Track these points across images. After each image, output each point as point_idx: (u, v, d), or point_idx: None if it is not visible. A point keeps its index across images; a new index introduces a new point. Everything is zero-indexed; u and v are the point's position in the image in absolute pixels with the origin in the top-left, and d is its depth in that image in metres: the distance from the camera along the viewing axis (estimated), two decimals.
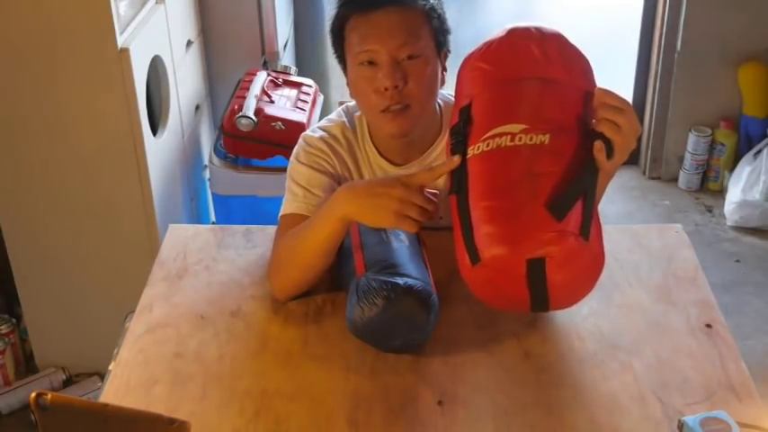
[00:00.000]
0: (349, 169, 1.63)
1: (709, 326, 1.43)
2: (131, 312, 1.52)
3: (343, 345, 1.39)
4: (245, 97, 2.72)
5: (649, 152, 3.65)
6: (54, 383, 2.57)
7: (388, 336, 1.35)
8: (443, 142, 1.61)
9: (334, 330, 1.42)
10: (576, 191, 1.24)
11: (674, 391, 1.30)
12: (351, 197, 1.39)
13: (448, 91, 1.61)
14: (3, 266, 2.55)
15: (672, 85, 3.49)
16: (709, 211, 3.46)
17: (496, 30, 1.41)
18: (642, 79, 3.63)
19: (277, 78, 2.92)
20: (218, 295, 1.54)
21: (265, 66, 3.07)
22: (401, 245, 1.42)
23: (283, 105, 2.79)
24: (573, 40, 1.38)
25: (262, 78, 2.85)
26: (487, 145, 1.28)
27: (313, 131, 1.65)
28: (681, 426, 1.20)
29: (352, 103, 1.68)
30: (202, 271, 1.61)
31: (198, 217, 2.86)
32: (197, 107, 2.91)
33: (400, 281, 1.31)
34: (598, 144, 1.26)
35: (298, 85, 2.96)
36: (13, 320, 2.64)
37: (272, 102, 2.78)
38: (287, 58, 3.29)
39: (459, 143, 1.33)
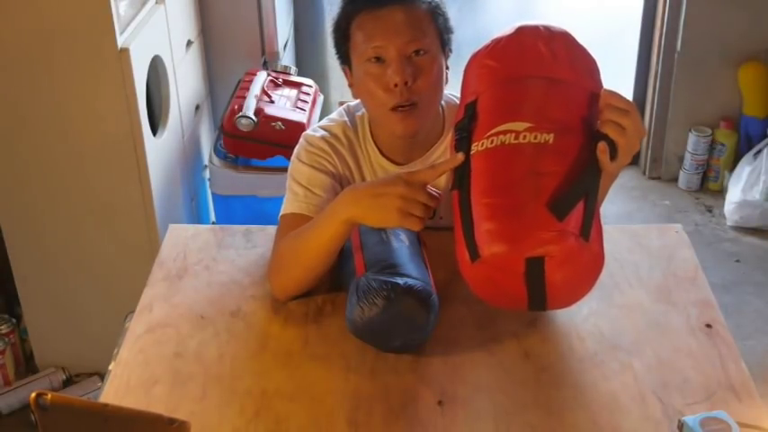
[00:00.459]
0: (350, 169, 1.63)
1: (709, 326, 1.43)
2: (131, 312, 1.52)
3: (343, 345, 1.39)
4: (245, 97, 2.72)
5: (649, 152, 3.65)
6: (54, 383, 2.57)
7: (388, 336, 1.35)
8: (445, 142, 1.61)
9: (334, 330, 1.42)
10: (578, 191, 1.24)
11: (674, 391, 1.30)
12: (354, 199, 1.38)
13: (450, 91, 1.61)
14: (3, 266, 2.55)
15: (672, 85, 3.49)
16: (709, 211, 3.46)
17: (496, 30, 1.41)
18: (642, 79, 3.63)
19: (277, 78, 2.92)
20: (218, 295, 1.54)
21: (265, 66, 3.07)
22: (401, 245, 1.42)
23: (283, 105, 2.79)
24: None
25: (262, 78, 2.85)
26: (491, 142, 1.28)
27: (314, 131, 1.65)
28: (681, 426, 1.20)
29: (354, 102, 1.68)
30: (202, 271, 1.61)
31: (198, 217, 2.86)
32: (197, 107, 2.91)
33: (400, 281, 1.31)
34: (602, 145, 1.26)
35: (298, 85, 2.96)
36: (13, 320, 2.64)
37: (272, 102, 2.77)
38: (287, 58, 3.29)
39: (464, 139, 1.33)
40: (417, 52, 1.49)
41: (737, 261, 3.16)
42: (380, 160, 1.63)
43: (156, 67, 2.49)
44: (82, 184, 2.37)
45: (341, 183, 1.62)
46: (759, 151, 3.38)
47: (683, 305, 1.49)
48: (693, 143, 3.52)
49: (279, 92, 2.86)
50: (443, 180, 1.62)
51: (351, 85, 1.60)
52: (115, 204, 2.41)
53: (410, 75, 1.48)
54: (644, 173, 3.71)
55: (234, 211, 2.75)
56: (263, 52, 3.11)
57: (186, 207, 2.74)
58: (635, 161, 3.72)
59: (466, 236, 1.27)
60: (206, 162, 2.89)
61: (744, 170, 3.37)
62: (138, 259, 2.33)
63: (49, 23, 2.17)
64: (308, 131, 1.66)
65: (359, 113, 1.66)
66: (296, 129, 2.62)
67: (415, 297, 1.31)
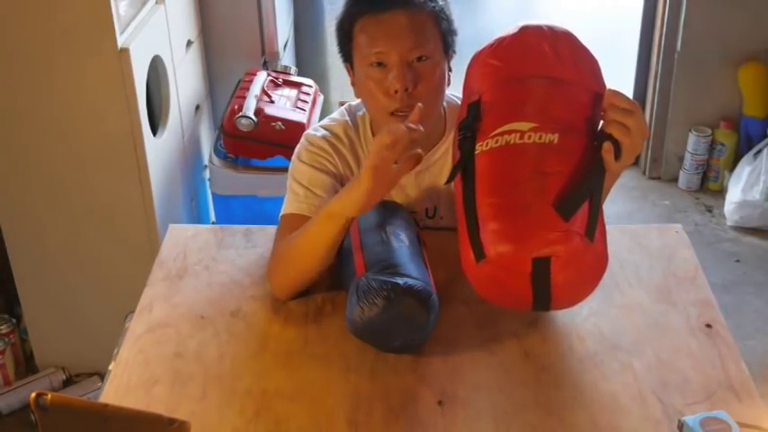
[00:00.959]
0: (351, 168, 1.63)
1: (709, 326, 1.43)
2: (131, 312, 1.52)
3: (343, 345, 1.39)
4: (245, 97, 2.72)
5: (649, 152, 3.65)
6: (54, 383, 2.57)
7: (388, 336, 1.35)
8: (446, 143, 1.61)
9: (334, 330, 1.42)
10: (583, 191, 1.24)
11: (674, 391, 1.30)
12: (353, 201, 1.37)
13: (452, 92, 1.61)
14: (3, 266, 2.55)
15: (672, 85, 3.49)
16: (709, 211, 3.46)
17: (496, 29, 1.41)
18: (642, 79, 3.63)
19: (277, 78, 2.92)
20: (218, 295, 1.54)
21: (265, 66, 3.07)
22: (401, 245, 1.42)
23: (283, 105, 2.79)
24: None
25: (262, 78, 2.85)
26: (496, 142, 1.28)
27: (315, 130, 1.65)
28: (681, 426, 1.20)
29: (355, 102, 1.68)
30: (202, 271, 1.61)
31: (198, 217, 2.86)
32: (197, 107, 2.91)
33: (400, 281, 1.31)
34: (607, 145, 1.26)
35: (298, 85, 2.96)
36: (13, 320, 2.64)
37: (272, 102, 2.78)
38: (287, 58, 3.29)
39: (468, 138, 1.33)
40: (420, 59, 1.48)
41: (737, 261, 3.16)
42: None
43: (156, 67, 2.49)
44: (82, 184, 2.37)
45: (341, 182, 1.62)
46: (759, 151, 3.38)
47: (683, 305, 1.49)
48: (693, 143, 3.52)
49: (279, 92, 2.86)
50: (442, 179, 1.62)
51: (353, 84, 1.59)
52: (115, 204, 2.40)
53: (411, 81, 1.47)
54: (644, 173, 3.71)
55: (234, 211, 2.75)
56: (263, 52, 3.11)
57: (186, 207, 2.74)
58: (635, 161, 3.71)
59: (471, 236, 1.27)
60: (206, 162, 2.89)
61: (744, 170, 3.37)
62: (138, 259, 2.33)
63: (49, 23, 2.17)
64: (310, 131, 1.66)
65: (360, 113, 1.66)
66: (296, 129, 2.62)
67: (415, 297, 1.31)
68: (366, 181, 1.33)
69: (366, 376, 1.34)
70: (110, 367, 1.41)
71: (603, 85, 1.34)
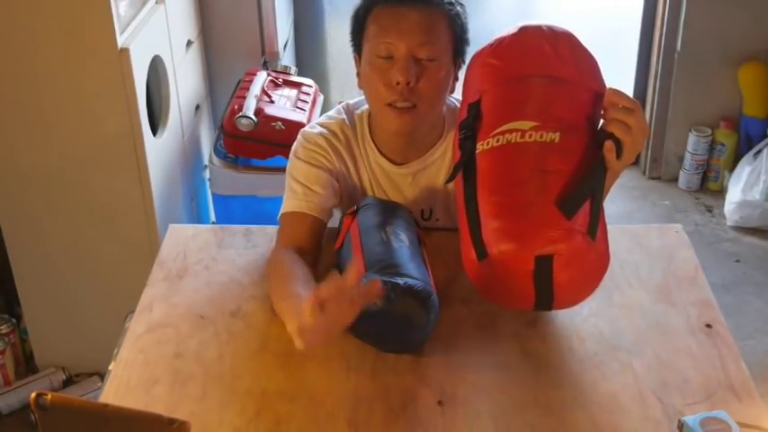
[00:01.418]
0: (347, 166, 1.63)
1: (709, 326, 1.43)
2: (131, 312, 1.52)
3: (343, 345, 1.39)
4: (245, 97, 2.72)
5: (649, 152, 3.65)
6: (54, 383, 2.57)
7: (388, 336, 1.35)
8: (443, 145, 1.61)
9: None
10: (585, 190, 1.24)
11: (674, 391, 1.30)
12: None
13: (454, 96, 1.61)
14: (3, 266, 2.55)
15: (672, 85, 3.49)
16: (709, 211, 3.46)
17: (496, 30, 1.41)
18: (642, 79, 3.63)
19: (277, 78, 2.92)
20: (218, 295, 1.54)
21: (265, 66, 3.07)
22: (401, 245, 1.42)
23: (283, 105, 2.79)
24: None
25: (262, 78, 2.85)
26: (497, 141, 1.28)
27: (312, 127, 1.65)
28: (681, 426, 1.20)
29: (353, 101, 1.68)
30: (202, 271, 1.61)
31: (198, 217, 2.86)
32: (197, 107, 2.91)
33: (400, 281, 1.31)
34: (608, 144, 1.26)
35: (298, 85, 2.95)
36: (13, 320, 2.64)
37: (272, 102, 2.77)
38: (287, 58, 3.29)
39: (468, 138, 1.33)
40: (427, 57, 1.48)
41: (737, 261, 3.16)
42: (378, 159, 1.63)
43: (156, 67, 2.49)
44: (82, 184, 2.37)
45: (337, 179, 1.62)
46: (759, 151, 3.38)
47: (683, 305, 1.49)
48: (693, 143, 3.52)
49: (279, 92, 2.86)
50: (440, 179, 1.62)
51: (358, 74, 1.59)
52: (115, 204, 2.40)
53: (414, 76, 1.47)
54: (644, 173, 3.71)
55: (234, 211, 2.75)
56: (263, 52, 3.11)
57: (186, 207, 2.74)
58: (635, 161, 3.70)
59: (473, 234, 1.27)
60: (206, 162, 2.89)
61: (744, 170, 3.37)
62: (138, 259, 2.33)
63: (50, 23, 2.17)
64: (306, 128, 1.66)
65: (358, 111, 1.66)
66: (296, 129, 2.58)
67: (415, 297, 1.31)
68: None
69: (366, 376, 1.34)
70: (110, 367, 1.41)
71: (603, 85, 1.34)
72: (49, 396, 1.01)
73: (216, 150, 2.75)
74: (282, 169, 1.69)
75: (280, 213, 1.60)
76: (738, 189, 3.33)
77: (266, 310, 1.49)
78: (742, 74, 3.40)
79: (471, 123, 1.34)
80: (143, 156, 2.32)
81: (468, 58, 1.56)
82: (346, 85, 3.68)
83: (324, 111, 2.84)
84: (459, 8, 1.54)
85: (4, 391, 2.53)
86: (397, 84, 1.48)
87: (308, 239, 1.55)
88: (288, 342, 1.41)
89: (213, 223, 2.91)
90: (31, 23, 2.17)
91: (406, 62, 1.47)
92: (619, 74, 3.61)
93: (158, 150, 2.44)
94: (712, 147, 3.53)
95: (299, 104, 2.84)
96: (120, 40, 2.20)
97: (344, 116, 1.66)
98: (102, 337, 1.90)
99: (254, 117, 2.64)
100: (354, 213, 1.52)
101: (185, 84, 2.74)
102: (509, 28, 1.39)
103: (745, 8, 3.31)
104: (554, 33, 1.35)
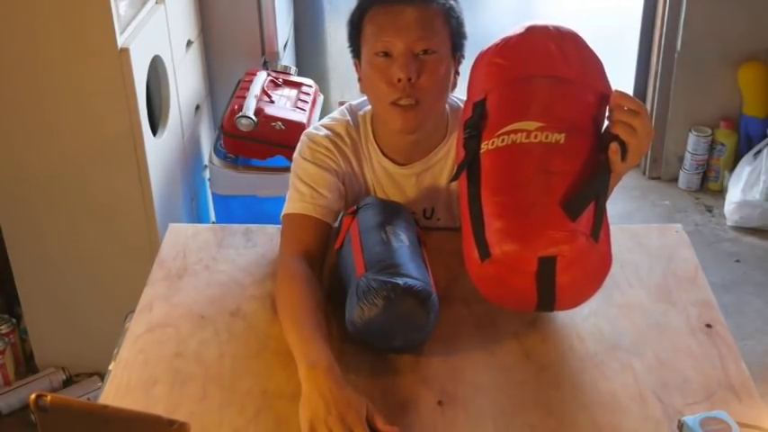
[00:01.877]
0: (353, 168, 1.63)
1: (709, 326, 1.43)
2: (131, 312, 1.52)
3: (343, 345, 1.39)
4: (245, 97, 2.72)
5: (649, 152, 3.65)
6: (54, 383, 2.57)
7: (388, 336, 1.35)
8: (447, 145, 1.61)
9: (334, 330, 1.42)
10: (591, 191, 1.24)
11: (674, 391, 1.30)
12: (316, 386, 1.25)
13: (456, 96, 1.61)
14: (3, 266, 2.55)
15: (672, 85, 3.49)
16: (709, 211, 3.46)
17: (497, 30, 1.41)
18: (642, 79, 3.63)
19: (277, 78, 2.92)
20: (218, 295, 1.54)
21: (265, 66, 3.07)
22: (401, 245, 1.42)
23: (283, 105, 2.79)
24: None
25: (262, 78, 2.85)
26: (502, 140, 1.28)
27: (317, 129, 1.64)
28: (681, 426, 1.20)
29: (356, 102, 1.68)
30: (202, 270, 1.61)
31: (198, 217, 2.86)
32: (197, 107, 2.91)
33: (400, 281, 1.31)
34: (614, 146, 1.26)
35: (298, 85, 2.95)
36: (13, 320, 2.64)
37: (272, 102, 2.77)
38: (287, 58, 3.29)
39: (473, 137, 1.33)
40: (425, 51, 1.48)
41: (737, 261, 3.16)
42: (382, 160, 1.63)
43: (156, 67, 2.49)
44: (82, 184, 2.37)
45: (343, 181, 1.62)
46: (759, 151, 3.38)
47: (683, 305, 1.49)
48: (693, 143, 3.52)
49: (279, 92, 2.86)
50: (443, 179, 1.62)
51: (360, 80, 1.59)
52: (115, 204, 2.40)
53: (414, 72, 1.47)
54: (644, 173, 3.71)
55: (234, 211, 2.75)
56: (263, 52, 3.11)
57: (186, 207, 2.74)
58: None
59: (476, 234, 1.27)
60: (206, 162, 2.89)
61: (744, 170, 3.37)
62: (138, 259, 2.33)
63: (50, 23, 2.17)
64: (311, 129, 1.66)
65: (361, 112, 1.65)
66: (296, 129, 2.61)
67: (415, 297, 1.31)
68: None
69: (366, 376, 1.34)
70: (110, 367, 1.41)
71: (609, 86, 1.34)
72: (49, 397, 1.01)
73: (216, 150, 2.75)
74: (282, 169, 1.69)
75: (284, 213, 1.60)
76: (738, 189, 3.33)
77: (266, 309, 1.49)
78: (742, 74, 3.40)
79: (476, 122, 1.34)
80: (143, 156, 2.32)
81: (466, 53, 1.57)
82: (346, 86, 3.68)
83: (324, 111, 2.85)
84: (452, 2, 1.54)
85: (4, 391, 2.53)
86: (399, 81, 1.48)
87: (315, 243, 1.55)
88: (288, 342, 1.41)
89: (213, 223, 2.91)
90: (31, 23, 2.17)
91: (405, 58, 1.47)
92: (619, 74, 3.59)
93: (158, 150, 2.44)
94: (712, 147, 3.53)
95: (299, 104, 2.84)
96: (120, 40, 2.20)
97: (348, 117, 1.65)
98: (102, 337, 1.90)
99: (254, 117, 2.64)
100: (354, 213, 1.52)
101: (185, 84, 2.74)
102: (515, 27, 1.38)
103: (745, 8, 3.31)
104: (560, 34, 1.35)
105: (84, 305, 2.54)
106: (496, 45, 1.38)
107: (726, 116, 3.50)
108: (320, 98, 3.01)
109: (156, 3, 2.49)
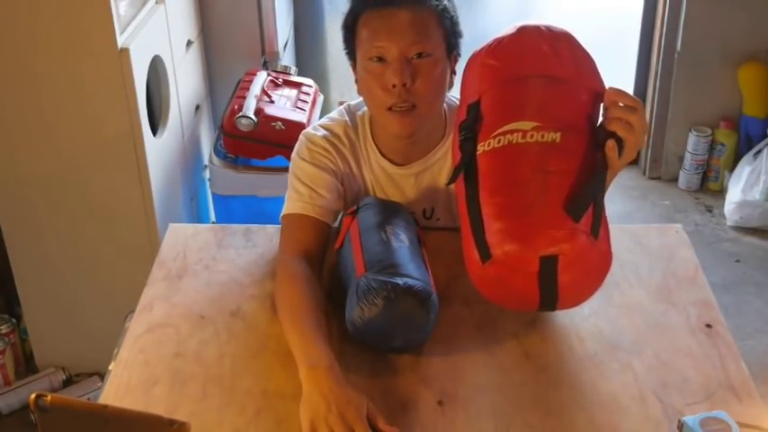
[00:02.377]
0: (351, 168, 1.63)
1: (709, 326, 1.43)
2: (131, 312, 1.52)
3: (343, 345, 1.39)
4: (245, 97, 2.72)
5: (649, 152, 3.65)
6: (54, 383, 2.57)
7: (388, 336, 1.35)
8: (446, 145, 1.61)
9: (333, 330, 1.42)
10: (592, 190, 1.24)
11: (674, 391, 1.30)
12: (317, 386, 1.25)
13: (454, 94, 1.61)
14: (3, 266, 2.55)
15: (672, 85, 3.49)
16: (709, 211, 3.46)
17: (496, 30, 1.41)
18: (642, 79, 3.63)
19: (277, 78, 2.92)
20: (218, 295, 1.54)
21: (265, 66, 3.07)
22: (401, 245, 1.42)
23: (283, 105, 2.79)
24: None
25: (262, 78, 2.85)
26: (498, 141, 1.28)
27: (315, 130, 1.64)
28: (681, 426, 1.20)
29: (354, 102, 1.68)
30: (202, 270, 1.61)
31: (198, 217, 2.86)
32: (197, 107, 2.91)
33: (400, 281, 1.31)
34: (611, 143, 1.26)
35: (298, 85, 2.96)
36: (13, 320, 2.64)
37: (272, 102, 2.78)
38: (287, 58, 3.29)
39: (469, 139, 1.33)
40: (420, 55, 1.48)
41: (737, 261, 3.16)
42: (381, 161, 1.63)
43: (156, 67, 2.49)
44: (82, 184, 2.37)
45: (342, 181, 1.62)
46: (759, 151, 3.38)
47: (683, 305, 1.49)
48: (693, 143, 3.52)
49: (279, 92, 2.86)
50: (442, 179, 1.62)
51: (356, 81, 1.59)
52: (115, 204, 2.40)
53: (409, 76, 1.47)
54: (644, 173, 3.71)
55: (234, 211, 2.75)
56: (263, 52, 3.11)
57: (186, 207, 2.74)
58: (635, 161, 3.72)
59: (475, 236, 1.27)
60: (206, 162, 2.89)
61: (744, 170, 3.37)
62: (138, 259, 2.33)
63: (49, 23, 2.17)
64: (309, 130, 1.66)
65: (359, 113, 1.65)
66: (296, 129, 2.60)
67: (415, 297, 1.31)
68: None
69: (366, 376, 1.34)
70: (110, 367, 1.41)
71: (602, 85, 1.34)
72: (49, 397, 1.01)
73: (216, 150, 2.75)
74: (283, 169, 1.69)
75: (283, 213, 1.60)
76: (738, 189, 3.33)
77: (266, 309, 1.49)
78: (742, 74, 3.40)
79: (471, 124, 1.34)
80: (143, 156, 2.32)
81: (462, 51, 1.56)
82: (346, 85, 3.68)
83: (324, 111, 2.85)
84: (446, 2, 1.53)
85: (4, 391, 2.53)
86: (393, 86, 1.48)
87: (314, 243, 1.55)
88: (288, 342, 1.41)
89: (213, 223, 2.92)
90: (31, 24, 2.17)
91: (399, 64, 1.47)
92: (619, 74, 3.61)
93: (158, 150, 2.44)
94: (712, 147, 3.53)
95: (299, 104, 2.84)
96: (120, 40, 2.20)
97: (347, 118, 1.65)
98: (102, 337, 1.90)
99: (254, 117, 2.64)
100: (354, 213, 1.52)
101: (185, 84, 2.74)
102: (507, 28, 1.38)
103: (745, 8, 3.31)
104: (553, 34, 1.35)
105: (85, 305, 2.55)
106: (489, 46, 1.38)
107: (726, 116, 3.51)
108: (320, 98, 3.01)
109: (156, 3, 2.49)
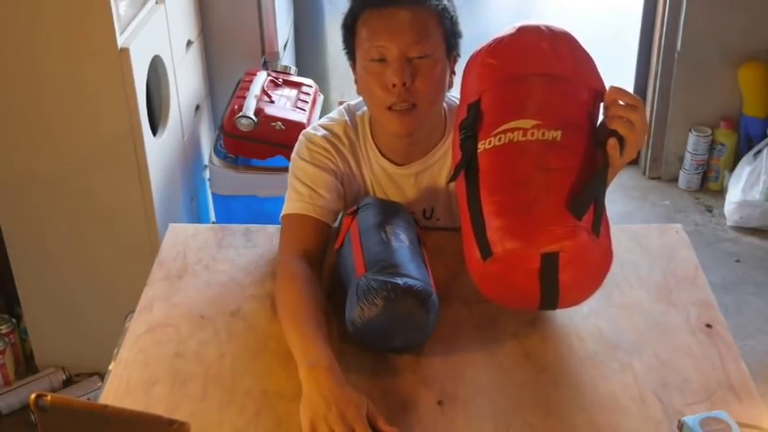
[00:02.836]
0: (351, 168, 1.63)
1: (709, 326, 1.43)
2: (131, 312, 1.52)
3: (343, 345, 1.39)
4: (245, 97, 2.72)
5: (649, 152, 3.65)
6: (54, 383, 2.57)
7: (388, 336, 1.35)
8: (446, 144, 1.61)
9: (333, 330, 1.42)
10: (594, 188, 1.24)
11: (674, 391, 1.30)
12: (317, 385, 1.25)
13: (454, 94, 1.61)
14: (3, 266, 2.55)
15: (672, 85, 3.49)
16: (709, 211, 3.46)
17: (496, 30, 1.41)
18: (642, 79, 3.63)
19: (277, 78, 2.92)
20: (218, 295, 1.54)
21: (265, 66, 3.07)
22: (401, 245, 1.42)
23: (283, 105, 2.79)
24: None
25: (262, 78, 2.85)
26: (499, 140, 1.29)
27: (315, 129, 1.64)
28: (681, 426, 1.20)
29: (354, 102, 1.68)
30: (202, 270, 1.61)
31: (198, 217, 2.86)
32: (197, 107, 2.91)
33: (400, 281, 1.31)
34: (612, 141, 1.27)
35: (298, 85, 2.96)
36: (13, 320, 2.64)
37: (272, 102, 2.78)
38: (287, 58, 3.29)
39: (469, 138, 1.33)
40: (420, 56, 1.48)
41: (737, 261, 3.16)
42: (381, 161, 1.63)
43: (156, 67, 2.49)
44: (82, 184, 2.37)
45: (341, 181, 1.62)
46: (759, 151, 3.38)
47: (683, 305, 1.49)
48: (693, 143, 3.52)
49: (279, 92, 2.86)
50: (442, 179, 1.62)
51: (356, 81, 1.59)
52: (115, 204, 2.40)
53: (409, 76, 1.47)
54: (644, 173, 3.71)
55: (234, 211, 2.75)
56: (263, 52, 3.11)
57: (186, 207, 2.74)
58: (635, 161, 3.72)
59: (476, 234, 1.27)
60: (206, 162, 2.89)
61: (744, 170, 3.37)
62: (138, 259, 2.33)
63: (49, 23, 2.17)
64: (309, 129, 1.66)
65: (359, 113, 1.65)
66: (296, 129, 2.60)
67: (415, 297, 1.31)
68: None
69: (366, 376, 1.34)
70: (110, 367, 1.41)
71: (602, 83, 1.34)
72: (49, 397, 1.01)
73: (216, 150, 2.75)
74: (283, 169, 1.69)
75: (282, 213, 1.60)
76: (738, 189, 3.33)
77: (266, 309, 1.49)
78: (742, 74, 3.40)
79: (471, 123, 1.34)
80: (143, 156, 2.32)
81: (463, 51, 1.56)
82: (346, 85, 3.67)
83: (324, 111, 2.85)
84: (446, 2, 1.53)
85: (4, 391, 2.53)
86: (393, 86, 1.48)
87: (314, 243, 1.55)
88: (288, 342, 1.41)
89: (213, 223, 2.92)
90: (31, 24, 2.17)
91: (399, 63, 1.47)
92: (619, 74, 3.61)
93: (158, 150, 2.44)
94: (712, 147, 3.53)
95: (299, 104, 2.84)
96: (120, 40, 2.20)
97: (347, 117, 1.65)
98: (102, 337, 1.90)
99: (254, 117, 2.64)
100: (354, 213, 1.52)
101: (185, 84, 2.74)
102: (507, 28, 1.39)
103: (745, 8, 3.31)
104: (552, 33, 1.36)
105: (85, 305, 2.55)
106: (488, 46, 1.38)
107: (726, 116, 3.51)
108: (320, 98, 3.01)
109: (156, 3, 2.50)
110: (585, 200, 1.23)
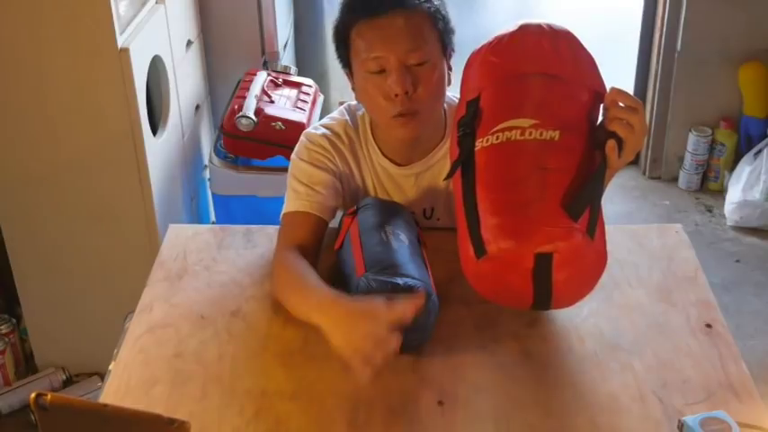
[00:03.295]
0: (350, 168, 1.63)
1: (709, 326, 1.43)
2: (131, 312, 1.52)
3: None
4: (245, 97, 2.72)
5: (649, 152, 3.65)
6: (54, 383, 2.57)
7: None
8: (447, 145, 1.60)
9: None
10: (591, 190, 1.24)
11: (674, 391, 1.30)
12: (333, 317, 1.28)
13: (453, 93, 1.61)
14: (3, 266, 2.55)
15: (672, 85, 3.49)
16: (709, 211, 3.46)
17: (496, 29, 1.41)
18: (642, 79, 3.63)
19: (277, 78, 2.92)
20: (218, 295, 1.54)
21: (265, 66, 3.07)
22: (401, 245, 1.42)
23: (283, 105, 2.79)
24: None
25: (262, 78, 2.85)
26: (497, 138, 1.29)
27: (315, 129, 1.64)
28: (681, 426, 1.20)
29: (354, 101, 1.68)
30: (202, 271, 1.61)
31: (198, 217, 2.86)
32: (197, 107, 2.91)
33: (400, 281, 1.31)
34: (611, 143, 1.26)
35: (298, 85, 2.96)
36: (13, 320, 2.64)
37: (272, 102, 2.78)
38: (287, 58, 3.29)
39: (467, 135, 1.33)
40: (419, 63, 1.47)
41: (737, 261, 3.16)
42: (381, 160, 1.63)
43: (156, 67, 2.49)
44: (82, 184, 2.37)
45: (341, 181, 1.62)
46: (759, 151, 3.38)
47: (682, 305, 1.48)
48: (693, 143, 3.52)
49: (279, 92, 2.86)
50: (442, 178, 1.62)
51: (353, 89, 1.59)
52: (115, 204, 2.40)
53: (410, 84, 1.47)
54: (644, 173, 3.71)
55: (234, 211, 2.75)
56: (263, 52, 3.11)
57: (186, 207, 2.74)
58: (635, 161, 3.72)
59: (471, 232, 1.27)
60: (206, 162, 2.89)
61: (744, 170, 3.37)
62: (138, 259, 2.33)
63: (50, 23, 2.17)
64: (309, 129, 1.66)
65: (360, 113, 1.65)
66: (296, 129, 2.61)
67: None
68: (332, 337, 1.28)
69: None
70: (110, 367, 1.41)
71: (602, 84, 1.34)
72: (49, 396, 1.01)
73: (216, 150, 2.75)
74: (283, 169, 1.69)
75: (282, 213, 1.60)
76: (738, 189, 3.33)
77: (266, 309, 1.49)
78: (742, 74, 3.40)
79: (470, 121, 1.34)
80: (143, 156, 2.32)
81: (461, 51, 1.56)
82: (346, 85, 3.64)
83: (324, 111, 2.85)
84: (436, 2, 1.52)
85: (4, 391, 2.53)
86: (396, 96, 1.47)
87: (309, 238, 1.54)
88: (288, 342, 1.42)
89: (213, 223, 2.92)
90: (32, 24, 2.17)
91: (399, 73, 1.46)
92: (619, 74, 3.61)
93: (158, 150, 2.44)
94: (712, 147, 3.53)
95: (299, 104, 2.84)
96: (121, 40, 2.20)
97: (347, 117, 1.65)
98: (102, 337, 1.90)
99: (254, 117, 2.64)
100: (354, 213, 1.52)
101: (185, 84, 2.74)
102: (508, 26, 1.38)
103: (745, 8, 3.31)
104: (554, 32, 1.36)
105: (85, 305, 2.55)
106: (489, 43, 1.38)
107: (726, 116, 3.51)
108: (320, 98, 3.01)
109: (156, 3, 2.49)
110: (582, 201, 1.23)
